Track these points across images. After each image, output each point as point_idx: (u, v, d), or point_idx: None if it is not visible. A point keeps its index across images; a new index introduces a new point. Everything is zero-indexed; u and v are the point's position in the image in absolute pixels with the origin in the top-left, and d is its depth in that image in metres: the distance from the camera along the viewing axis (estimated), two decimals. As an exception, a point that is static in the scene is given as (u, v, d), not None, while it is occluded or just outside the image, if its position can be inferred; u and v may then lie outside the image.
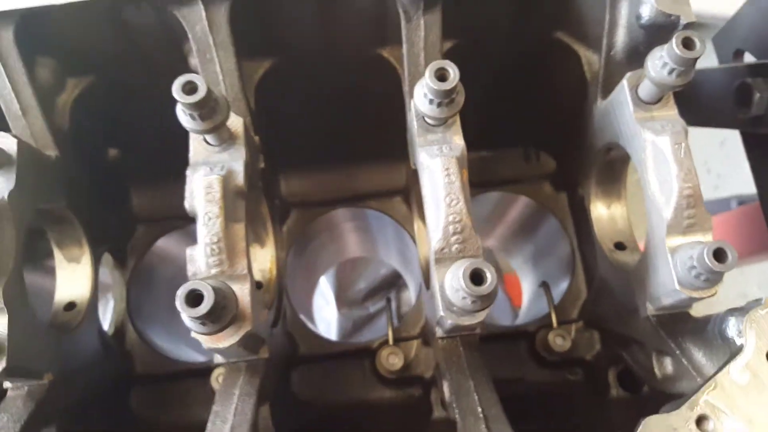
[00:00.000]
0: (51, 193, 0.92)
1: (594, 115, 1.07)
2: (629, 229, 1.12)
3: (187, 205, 0.79)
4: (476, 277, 0.66)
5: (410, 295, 2.12)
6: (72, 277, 0.98)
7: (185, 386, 1.15)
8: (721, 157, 3.38)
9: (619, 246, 1.10)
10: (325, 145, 1.31)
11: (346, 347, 1.21)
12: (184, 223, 1.26)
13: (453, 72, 0.75)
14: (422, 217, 1.14)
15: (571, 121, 1.18)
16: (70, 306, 0.97)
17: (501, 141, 1.44)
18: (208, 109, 0.74)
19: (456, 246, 0.76)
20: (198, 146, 0.83)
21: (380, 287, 2.55)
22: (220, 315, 0.67)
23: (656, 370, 0.91)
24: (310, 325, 1.26)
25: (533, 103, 1.33)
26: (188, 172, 0.81)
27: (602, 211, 1.14)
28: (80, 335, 0.96)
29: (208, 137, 0.81)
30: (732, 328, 0.72)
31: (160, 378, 1.15)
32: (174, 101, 0.80)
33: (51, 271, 1.05)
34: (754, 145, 1.29)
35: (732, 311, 0.74)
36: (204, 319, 0.64)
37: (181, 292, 0.63)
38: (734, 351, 0.71)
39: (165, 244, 1.26)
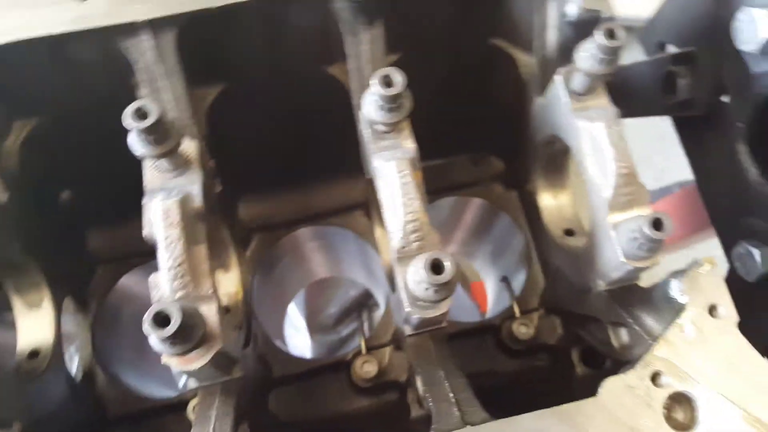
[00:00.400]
0: (5, 239, 0.91)
1: (533, 112, 1.13)
2: (576, 215, 1.18)
3: (146, 232, 0.80)
4: (436, 267, 0.70)
5: (381, 313, 2.13)
6: (34, 324, 0.97)
7: (161, 423, 1.13)
8: (662, 150, 3.54)
9: (569, 232, 1.16)
10: (281, 166, 1.33)
11: (321, 362, 1.22)
12: (144, 260, 1.26)
13: (399, 77, 0.79)
14: (382, 225, 1.18)
15: (513, 122, 1.24)
16: (34, 354, 0.95)
17: (450, 148, 1.50)
18: (161, 134, 0.76)
19: (416, 243, 0.80)
20: (153, 173, 0.85)
21: (351, 310, 2.56)
22: (189, 334, 0.68)
23: (614, 342, 0.96)
24: (281, 346, 1.26)
25: (477, 109, 1.39)
26: (145, 200, 0.82)
27: (549, 202, 1.20)
28: (47, 382, 0.94)
29: (163, 163, 0.83)
30: (675, 288, 0.78)
31: (134, 418, 1.13)
32: (125, 136, 0.82)
33: (5, 325, 1.03)
34: (685, 128, 1.38)
35: (674, 274, 0.79)
36: (173, 339, 0.65)
37: (147, 315, 0.64)
38: (679, 310, 0.76)
39: (127, 282, 1.25)
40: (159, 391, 1.29)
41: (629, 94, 1.38)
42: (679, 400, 0.70)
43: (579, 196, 1.22)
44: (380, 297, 1.76)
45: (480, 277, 1.89)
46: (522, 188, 1.39)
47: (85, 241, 1.25)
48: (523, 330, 1.23)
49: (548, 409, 0.68)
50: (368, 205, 1.24)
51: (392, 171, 0.83)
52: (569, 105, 0.96)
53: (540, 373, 1.24)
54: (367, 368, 1.15)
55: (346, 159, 1.26)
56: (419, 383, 0.87)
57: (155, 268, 0.83)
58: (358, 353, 1.19)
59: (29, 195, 1.00)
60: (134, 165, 0.88)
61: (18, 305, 0.97)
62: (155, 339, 0.65)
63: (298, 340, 2.41)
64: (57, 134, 1.06)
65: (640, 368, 0.71)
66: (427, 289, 0.71)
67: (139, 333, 1.29)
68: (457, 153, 1.51)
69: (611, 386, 0.70)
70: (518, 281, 1.42)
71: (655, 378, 0.71)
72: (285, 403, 1.18)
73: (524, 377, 1.24)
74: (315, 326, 2.44)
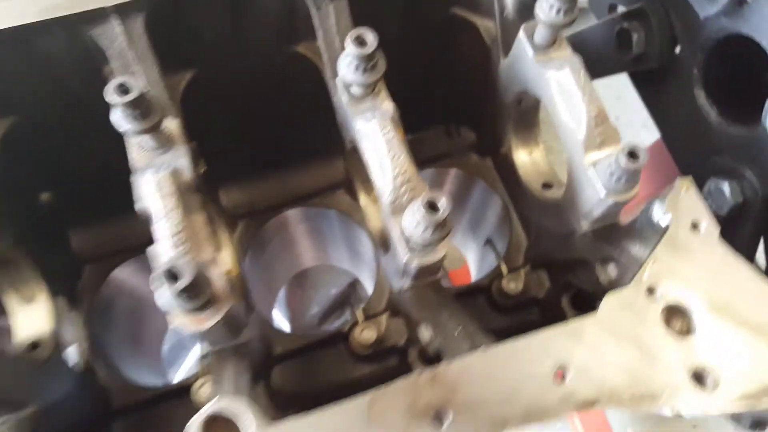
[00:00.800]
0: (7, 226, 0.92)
1: (500, 74, 1.17)
2: (552, 169, 1.22)
3: (139, 207, 0.81)
4: (431, 206, 0.72)
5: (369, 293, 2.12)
6: (31, 317, 0.96)
7: (166, 409, 1.13)
8: (620, 109, 3.67)
9: (547, 186, 1.20)
10: (258, 152, 1.34)
11: (319, 336, 1.23)
12: (131, 255, 1.26)
13: (372, 36, 0.81)
14: (368, 192, 1.20)
15: (481, 89, 1.28)
16: (35, 345, 0.95)
17: (421, 123, 1.52)
18: (145, 108, 0.77)
19: (407, 195, 0.82)
20: (138, 152, 0.85)
21: (334, 308, 2.57)
22: (200, 290, 0.68)
23: (603, 280, 1.00)
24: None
25: (444, 81, 1.43)
26: (134, 178, 0.83)
27: (525, 159, 1.24)
28: (50, 373, 0.94)
29: (147, 139, 0.83)
30: (657, 211, 0.82)
31: (139, 407, 1.12)
32: (102, 132, 0.80)
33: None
34: (643, 82, 1.44)
35: (654, 199, 0.84)
36: (187, 293, 0.66)
37: (157, 272, 0.65)
38: (663, 231, 0.80)
39: (118, 275, 1.24)
40: (153, 381, 1.29)
41: (586, 57, 1.43)
42: (675, 311, 0.74)
43: (551, 153, 1.26)
44: (366, 278, 1.77)
45: (461, 256, 1.92)
46: (496, 154, 1.43)
47: (69, 243, 1.24)
48: (512, 286, 1.26)
49: (554, 327, 0.71)
50: (351, 181, 1.26)
51: (375, 129, 0.86)
52: (535, 58, 1.00)
53: (532, 327, 1.27)
54: (366, 334, 1.16)
55: (323, 139, 1.27)
56: (424, 332, 0.89)
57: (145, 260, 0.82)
58: (354, 324, 1.20)
59: (12, 195, 0.99)
60: (116, 163, 0.87)
61: (14, 300, 0.96)
62: (168, 295, 0.65)
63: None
64: (33, 134, 1.05)
65: (634, 285, 0.75)
66: (425, 229, 0.73)
67: (133, 326, 1.28)
68: (428, 127, 1.54)
69: (609, 303, 0.73)
70: (499, 247, 1.45)
71: (649, 292, 0.74)
72: (288, 378, 1.18)
73: (517, 332, 1.27)
74: (300, 329, 2.44)
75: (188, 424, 0.64)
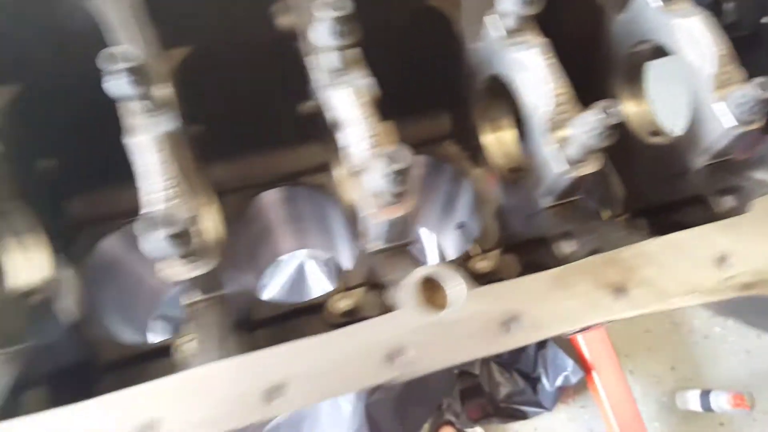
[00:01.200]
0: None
1: (614, 30, 1.27)
2: (657, 119, 1.31)
3: (331, 117, 0.91)
4: (607, 112, 0.82)
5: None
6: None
7: (300, 323, 1.24)
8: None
9: (655, 134, 1.29)
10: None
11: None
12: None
13: None
14: (495, 130, 1.30)
15: (588, 48, 1.37)
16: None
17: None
18: (350, 28, 0.88)
19: (566, 114, 0.93)
20: (320, 74, 0.96)
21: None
22: (405, 179, 0.79)
23: (718, 211, 1.08)
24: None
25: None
26: (320, 94, 0.94)
27: (633, 110, 1.33)
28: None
29: (335, 60, 0.93)
30: (784, 135, 0.91)
31: (279, 318, 1.24)
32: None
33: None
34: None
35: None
36: (401, 176, 0.76)
37: (382, 159, 0.75)
38: (791, 150, 0.90)
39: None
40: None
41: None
42: (815, 212, 0.83)
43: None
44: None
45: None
46: (594, 112, 1.52)
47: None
48: (612, 233, 1.35)
49: (707, 225, 0.81)
50: (473, 124, 1.34)
51: (537, 56, 0.96)
52: (661, 8, 1.10)
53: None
54: (481, 264, 1.25)
55: (433, 94, 1.38)
56: (564, 246, 0.99)
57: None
58: (468, 256, 1.30)
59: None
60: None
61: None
62: (381, 177, 0.76)
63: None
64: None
65: (780, 192, 0.84)
66: (600, 133, 0.83)
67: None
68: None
69: (758, 205, 0.83)
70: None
71: (792, 196, 0.84)
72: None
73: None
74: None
75: (401, 283, 0.74)
